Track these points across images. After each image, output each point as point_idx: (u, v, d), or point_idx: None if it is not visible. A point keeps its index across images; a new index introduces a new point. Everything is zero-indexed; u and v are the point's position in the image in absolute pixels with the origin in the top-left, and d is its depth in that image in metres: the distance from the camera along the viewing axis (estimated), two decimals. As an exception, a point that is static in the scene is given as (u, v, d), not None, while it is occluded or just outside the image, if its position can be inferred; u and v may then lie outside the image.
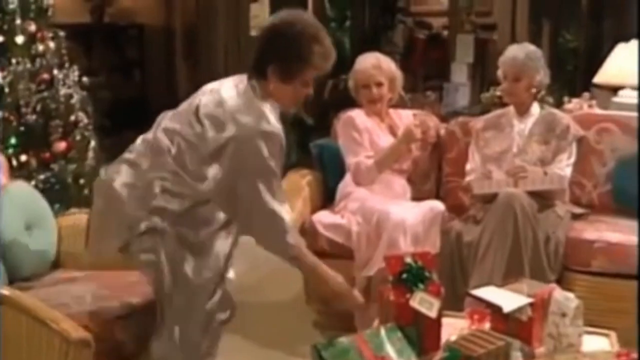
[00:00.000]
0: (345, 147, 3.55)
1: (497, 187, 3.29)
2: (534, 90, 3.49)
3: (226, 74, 2.57)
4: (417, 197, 3.63)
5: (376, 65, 3.55)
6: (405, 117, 3.70)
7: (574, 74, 7.65)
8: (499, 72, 3.52)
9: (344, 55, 8.63)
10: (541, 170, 3.37)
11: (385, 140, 3.52)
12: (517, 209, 3.12)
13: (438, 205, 3.39)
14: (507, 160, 3.44)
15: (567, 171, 3.45)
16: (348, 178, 3.54)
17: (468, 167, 3.60)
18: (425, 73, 7.78)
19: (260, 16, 5.54)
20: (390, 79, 3.58)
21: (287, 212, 2.37)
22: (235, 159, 2.29)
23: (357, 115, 3.59)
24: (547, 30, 8.18)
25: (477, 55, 7.20)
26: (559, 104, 4.43)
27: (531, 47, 3.53)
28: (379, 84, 3.55)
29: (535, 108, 3.55)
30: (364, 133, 3.52)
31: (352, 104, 3.79)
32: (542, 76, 3.47)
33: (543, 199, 3.29)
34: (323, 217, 3.46)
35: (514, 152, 3.46)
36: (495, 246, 3.13)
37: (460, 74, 6.74)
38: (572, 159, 3.49)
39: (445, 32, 7.94)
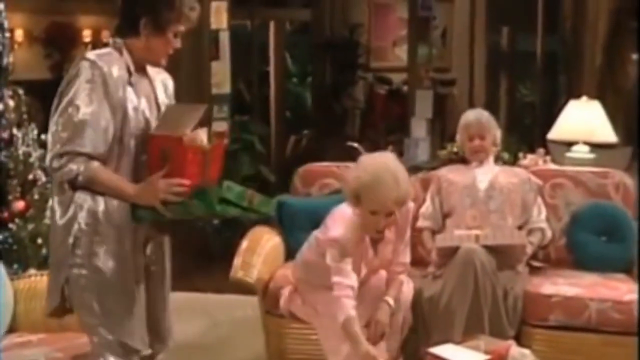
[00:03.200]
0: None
1: (458, 241, 3.33)
2: (497, 148, 3.69)
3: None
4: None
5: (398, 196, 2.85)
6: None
7: (530, 127, 7.85)
8: (459, 137, 3.70)
9: (305, 111, 8.78)
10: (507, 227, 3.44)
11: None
12: (477, 265, 3.16)
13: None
14: (473, 196, 3.52)
15: (546, 225, 3.58)
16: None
17: (422, 209, 3.65)
18: (386, 128, 7.90)
19: (221, 74, 5.59)
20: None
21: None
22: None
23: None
24: (504, 85, 8.41)
25: (436, 110, 7.34)
26: (514, 160, 4.53)
27: (485, 112, 3.73)
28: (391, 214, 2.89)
29: (493, 164, 3.66)
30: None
31: (314, 159, 3.82)
32: (499, 134, 3.66)
33: (505, 257, 3.33)
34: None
35: (480, 188, 3.52)
36: (456, 302, 3.16)
37: (420, 129, 6.85)
38: (544, 212, 3.59)
39: (405, 88, 8.10)
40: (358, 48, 8.39)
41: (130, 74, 2.36)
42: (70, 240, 2.30)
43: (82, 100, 2.24)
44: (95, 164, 2.25)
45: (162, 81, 2.49)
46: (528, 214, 3.56)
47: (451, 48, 8.37)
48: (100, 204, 2.30)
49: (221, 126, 5.57)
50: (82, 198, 2.29)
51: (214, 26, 5.67)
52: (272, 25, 8.03)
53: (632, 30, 6.02)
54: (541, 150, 4.84)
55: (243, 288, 3.51)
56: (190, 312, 4.34)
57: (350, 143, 5.76)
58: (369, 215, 2.85)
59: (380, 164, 2.88)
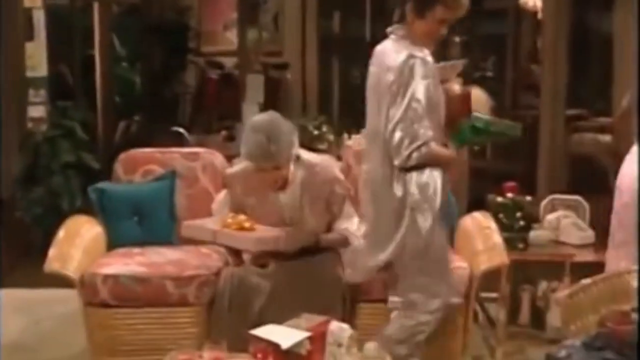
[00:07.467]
0: None
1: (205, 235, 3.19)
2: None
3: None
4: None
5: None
6: None
7: (360, 109, 8.07)
8: None
9: (134, 96, 8.50)
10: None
11: None
12: None
13: None
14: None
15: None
16: None
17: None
18: (218, 113, 7.83)
19: (36, 55, 5.32)
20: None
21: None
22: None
23: None
24: (336, 69, 8.59)
25: (270, 95, 7.34)
26: (338, 141, 4.61)
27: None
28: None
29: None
30: None
31: (143, 145, 3.70)
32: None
33: None
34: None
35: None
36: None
37: (251, 114, 6.81)
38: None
39: (237, 72, 8.06)
40: (188, 31, 8.23)
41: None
42: (407, 212, 2.84)
43: (422, 95, 2.76)
44: (433, 144, 2.82)
45: None
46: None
47: (283, 32, 8.40)
48: (424, 177, 2.83)
49: (38, 111, 5.30)
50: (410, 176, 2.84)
51: (27, 4, 5.37)
52: (96, 5, 7.68)
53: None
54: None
55: (63, 281, 3.34)
56: (10, 309, 4.15)
57: (175, 128, 5.66)
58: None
59: None
